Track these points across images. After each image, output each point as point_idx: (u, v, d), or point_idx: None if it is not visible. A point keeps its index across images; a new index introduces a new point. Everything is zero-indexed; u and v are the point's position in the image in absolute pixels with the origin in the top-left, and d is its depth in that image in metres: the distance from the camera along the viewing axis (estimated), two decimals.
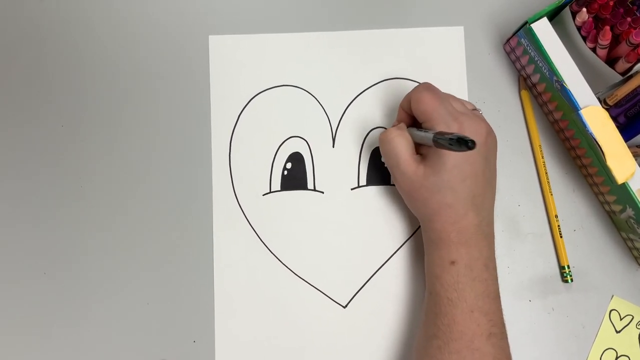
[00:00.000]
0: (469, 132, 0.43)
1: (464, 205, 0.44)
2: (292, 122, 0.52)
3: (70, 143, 0.52)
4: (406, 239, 0.51)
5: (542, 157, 0.52)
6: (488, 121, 0.45)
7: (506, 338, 0.44)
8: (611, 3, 0.47)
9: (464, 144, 0.38)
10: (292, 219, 0.51)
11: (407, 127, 0.47)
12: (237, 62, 0.53)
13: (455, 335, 0.42)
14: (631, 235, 0.49)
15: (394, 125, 0.48)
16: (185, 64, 0.53)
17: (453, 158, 0.43)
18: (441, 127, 0.43)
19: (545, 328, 0.50)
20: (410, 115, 0.47)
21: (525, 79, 0.52)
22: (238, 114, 0.52)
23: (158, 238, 0.51)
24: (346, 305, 0.51)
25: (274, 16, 0.54)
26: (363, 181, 0.52)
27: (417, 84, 0.53)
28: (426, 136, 0.43)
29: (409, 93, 0.47)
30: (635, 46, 0.46)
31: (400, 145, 0.46)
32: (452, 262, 0.43)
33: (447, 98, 0.46)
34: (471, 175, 0.44)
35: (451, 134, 0.40)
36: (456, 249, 0.43)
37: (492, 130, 0.46)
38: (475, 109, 0.48)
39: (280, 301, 0.50)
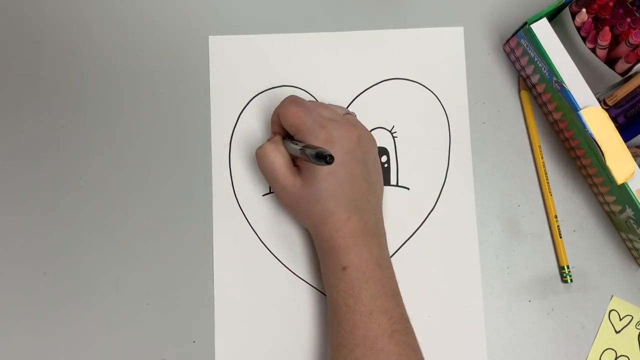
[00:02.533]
0: (337, 138, 0.44)
1: (346, 210, 0.44)
2: None
3: (70, 143, 0.52)
4: (406, 239, 0.51)
5: (542, 158, 0.52)
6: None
7: (411, 332, 0.44)
8: (611, 3, 0.47)
9: (322, 158, 0.39)
10: (291, 219, 0.51)
11: (283, 139, 0.47)
12: (237, 63, 0.53)
13: (358, 340, 0.42)
14: (630, 236, 0.49)
15: (269, 139, 0.48)
16: (185, 65, 0.53)
17: (327, 166, 0.42)
18: (310, 138, 0.44)
19: (545, 328, 0.50)
20: (277, 126, 0.48)
21: (525, 80, 0.52)
22: (238, 114, 0.52)
23: (158, 238, 0.51)
24: None
25: (274, 16, 0.54)
26: None
27: (417, 84, 0.53)
28: (297, 149, 0.44)
29: (276, 108, 0.47)
30: (635, 47, 0.46)
31: (276, 160, 0.46)
32: (344, 268, 0.43)
33: (315, 107, 0.46)
34: (349, 180, 0.44)
35: (313, 147, 0.41)
36: (345, 255, 0.43)
37: (366, 132, 0.47)
38: (348, 113, 0.48)
39: (280, 301, 0.50)
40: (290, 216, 0.51)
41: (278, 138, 0.48)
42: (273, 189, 0.48)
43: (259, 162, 0.47)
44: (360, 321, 0.42)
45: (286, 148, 0.47)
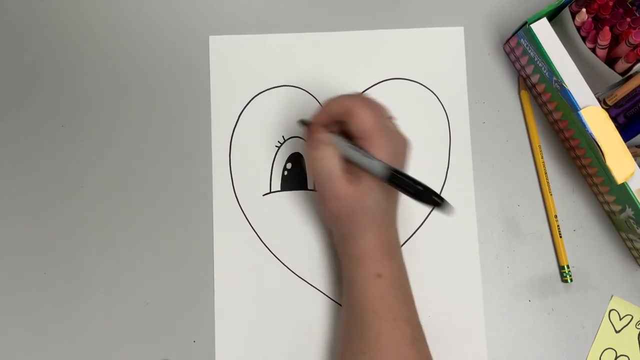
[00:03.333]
0: (399, 155, 0.43)
1: (391, 221, 0.44)
2: (292, 122, 0.52)
3: (70, 143, 0.52)
4: (406, 239, 0.51)
5: (542, 157, 0.52)
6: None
7: (425, 340, 0.44)
8: (610, 3, 0.47)
9: (429, 200, 0.37)
10: (292, 219, 0.51)
11: (335, 136, 0.44)
12: (237, 63, 0.53)
13: (382, 347, 0.42)
14: (630, 235, 0.49)
15: (313, 127, 0.44)
16: (185, 65, 0.53)
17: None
18: (375, 149, 0.42)
19: (545, 328, 0.50)
20: (331, 116, 0.44)
21: (525, 79, 0.52)
22: (238, 114, 0.52)
23: (158, 238, 0.51)
24: None
25: (274, 16, 0.54)
26: None
27: (417, 84, 0.53)
28: (370, 165, 0.41)
29: (343, 100, 0.43)
30: (635, 46, 0.46)
31: (334, 166, 0.43)
32: (378, 275, 0.43)
33: (383, 114, 0.44)
34: (397, 194, 0.44)
35: (415, 182, 0.39)
36: (381, 263, 0.43)
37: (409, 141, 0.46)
38: (392, 117, 0.46)
39: (280, 301, 0.50)
40: (320, 218, 0.50)
41: (330, 137, 0.44)
42: (318, 191, 0.44)
43: (313, 164, 0.44)
44: (386, 328, 0.42)
45: (343, 151, 0.43)
